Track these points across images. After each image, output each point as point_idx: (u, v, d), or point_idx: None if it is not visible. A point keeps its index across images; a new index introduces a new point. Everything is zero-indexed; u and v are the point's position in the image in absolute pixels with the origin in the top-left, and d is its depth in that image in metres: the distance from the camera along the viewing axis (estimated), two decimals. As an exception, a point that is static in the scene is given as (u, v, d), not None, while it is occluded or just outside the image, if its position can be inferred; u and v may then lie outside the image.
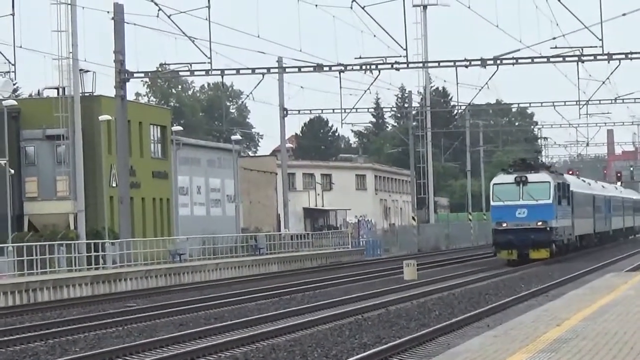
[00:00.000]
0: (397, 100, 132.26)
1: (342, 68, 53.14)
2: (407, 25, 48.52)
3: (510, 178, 54.07)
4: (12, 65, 46.30)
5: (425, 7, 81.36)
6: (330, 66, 53.05)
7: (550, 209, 53.11)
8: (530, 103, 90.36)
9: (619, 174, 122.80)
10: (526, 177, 53.34)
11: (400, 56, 49.13)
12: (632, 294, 21.89)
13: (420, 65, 71.24)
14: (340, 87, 59.73)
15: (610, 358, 10.18)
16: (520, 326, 14.99)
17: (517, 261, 51.66)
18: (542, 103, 77.52)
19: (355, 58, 52.29)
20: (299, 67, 54.65)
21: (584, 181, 79.60)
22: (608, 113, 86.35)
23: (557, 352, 10.79)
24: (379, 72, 55.28)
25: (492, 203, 55.94)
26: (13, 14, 42.59)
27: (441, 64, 59.15)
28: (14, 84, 68.16)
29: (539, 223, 52.20)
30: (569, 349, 11.23)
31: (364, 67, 52.86)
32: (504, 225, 52.58)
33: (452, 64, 56.12)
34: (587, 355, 10.64)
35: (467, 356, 11.22)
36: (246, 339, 21.11)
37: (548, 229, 52.50)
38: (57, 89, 59.06)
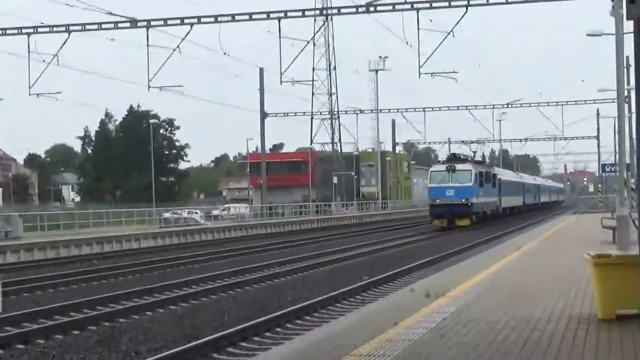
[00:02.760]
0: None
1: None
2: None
3: (443, 167, 55.32)
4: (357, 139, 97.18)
5: (377, 71, 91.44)
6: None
7: (471, 190, 53.97)
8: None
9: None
10: (454, 167, 54.10)
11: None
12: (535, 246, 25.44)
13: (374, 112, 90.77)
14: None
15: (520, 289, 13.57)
16: (461, 268, 18.07)
17: (447, 227, 52.19)
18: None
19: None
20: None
21: (518, 174, 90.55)
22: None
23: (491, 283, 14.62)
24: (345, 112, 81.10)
25: (429, 185, 57.06)
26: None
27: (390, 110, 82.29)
28: (356, 146, 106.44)
29: (463, 200, 53.08)
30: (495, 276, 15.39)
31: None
32: (438, 201, 53.72)
33: (396, 110, 78.33)
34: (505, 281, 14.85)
35: (429, 284, 14.82)
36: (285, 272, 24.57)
37: (469, 204, 53.40)
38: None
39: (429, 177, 57.58)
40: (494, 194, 62.38)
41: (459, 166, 54.61)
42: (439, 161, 61.36)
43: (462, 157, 59.27)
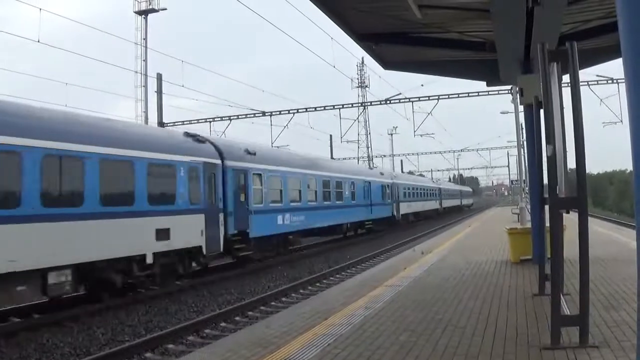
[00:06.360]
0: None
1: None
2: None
3: None
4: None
5: (392, 134, 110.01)
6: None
7: None
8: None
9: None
10: None
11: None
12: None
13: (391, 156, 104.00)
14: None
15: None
16: (402, 259, 19.90)
17: None
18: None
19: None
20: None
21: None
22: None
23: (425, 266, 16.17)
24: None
25: None
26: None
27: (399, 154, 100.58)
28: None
29: None
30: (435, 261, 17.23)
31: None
32: None
33: (403, 154, 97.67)
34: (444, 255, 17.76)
35: (383, 266, 17.20)
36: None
37: None
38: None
39: None
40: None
41: None
42: None
43: None
